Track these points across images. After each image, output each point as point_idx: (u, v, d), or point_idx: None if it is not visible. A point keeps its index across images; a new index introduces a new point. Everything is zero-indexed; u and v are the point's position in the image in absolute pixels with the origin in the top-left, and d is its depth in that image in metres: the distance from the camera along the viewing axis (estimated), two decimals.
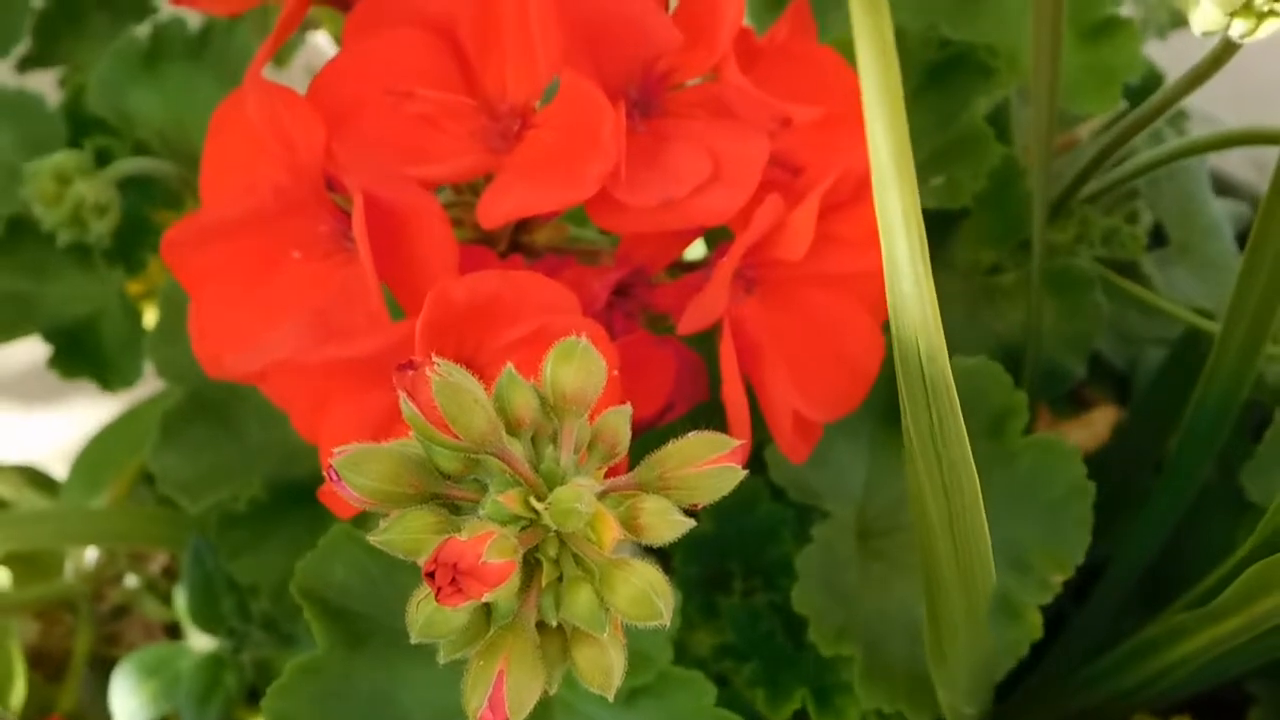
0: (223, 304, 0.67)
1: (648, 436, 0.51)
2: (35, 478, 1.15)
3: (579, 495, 0.45)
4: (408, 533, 0.45)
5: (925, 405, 0.54)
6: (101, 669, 1.05)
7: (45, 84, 1.14)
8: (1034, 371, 0.91)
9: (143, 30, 1.03)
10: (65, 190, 0.92)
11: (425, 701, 0.71)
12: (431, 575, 0.43)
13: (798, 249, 0.65)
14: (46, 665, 1.17)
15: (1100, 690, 0.88)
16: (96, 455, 1.11)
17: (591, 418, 0.50)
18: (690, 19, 0.66)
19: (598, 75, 0.65)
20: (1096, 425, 1.08)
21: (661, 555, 0.81)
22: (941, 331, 0.52)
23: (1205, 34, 0.65)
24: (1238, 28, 0.64)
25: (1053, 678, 0.95)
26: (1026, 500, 0.79)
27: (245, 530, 0.88)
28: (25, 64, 1.15)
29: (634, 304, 0.69)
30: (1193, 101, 0.98)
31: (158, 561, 1.17)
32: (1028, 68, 0.80)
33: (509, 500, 0.45)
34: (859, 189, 0.68)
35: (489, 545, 0.43)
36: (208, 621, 0.97)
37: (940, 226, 0.92)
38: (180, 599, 0.98)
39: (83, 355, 1.04)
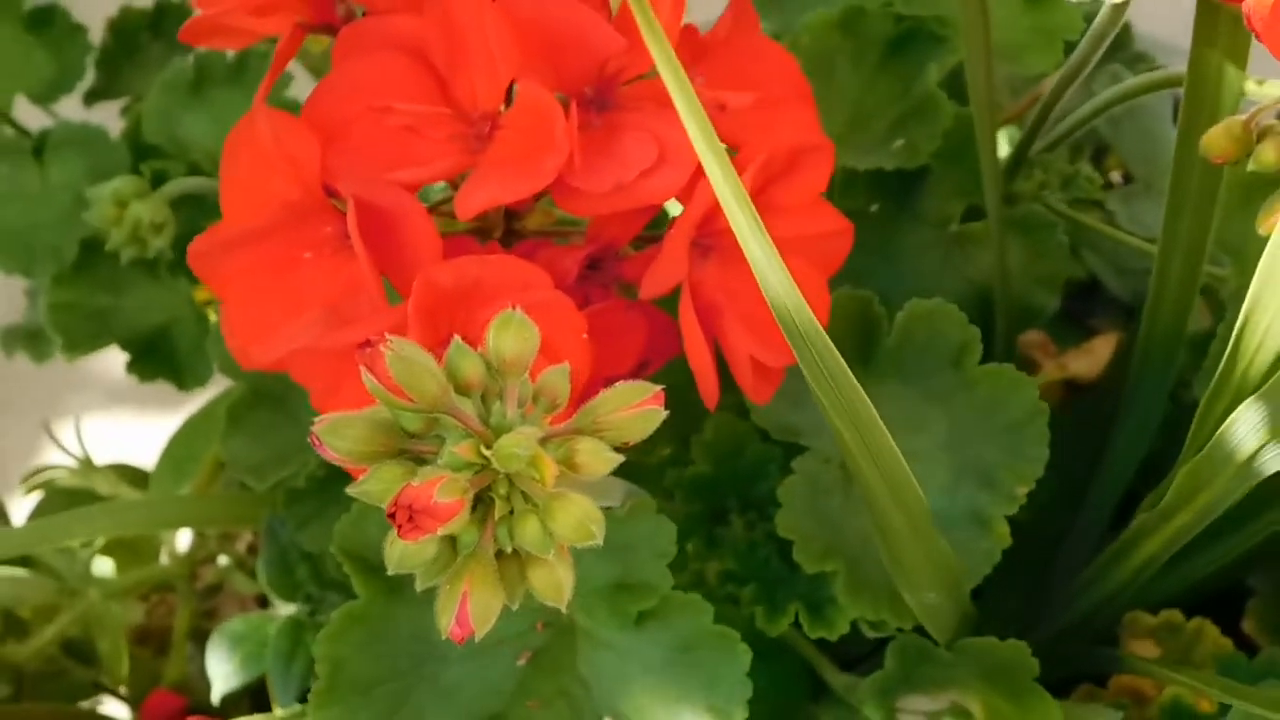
0: (247, 304, 0.76)
1: None
2: (129, 474, 1.25)
3: (518, 441, 0.53)
4: (380, 484, 0.54)
5: (805, 349, 0.62)
6: (202, 641, 1.14)
7: (111, 114, 1.24)
8: (1007, 309, 0.99)
9: (188, 60, 1.13)
10: (124, 212, 1.01)
11: None
12: (393, 516, 0.52)
13: None
14: (152, 642, 1.27)
15: (1090, 595, 0.95)
16: (180, 448, 1.21)
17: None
18: (633, 25, 0.75)
19: (557, 78, 0.73)
20: (1098, 352, 1.15)
21: (667, 496, 0.90)
22: (795, 285, 0.59)
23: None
24: None
25: (1049, 591, 1.03)
26: (988, 423, 0.85)
27: (308, 503, 0.97)
28: (91, 97, 1.24)
29: (607, 275, 0.77)
30: (1171, 36, 1.06)
31: (244, 540, 1.26)
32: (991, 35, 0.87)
33: (463, 450, 0.53)
34: (793, 162, 0.77)
35: (439, 488, 0.52)
36: (286, 589, 1.05)
37: (905, 184, 1.00)
38: (261, 572, 1.07)
39: (159, 359, 1.13)
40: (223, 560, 1.25)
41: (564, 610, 0.57)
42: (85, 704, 1.20)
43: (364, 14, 0.77)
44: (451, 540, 0.55)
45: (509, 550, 0.56)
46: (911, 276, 1.00)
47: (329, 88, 0.74)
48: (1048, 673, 0.92)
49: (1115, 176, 1.27)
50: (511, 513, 0.55)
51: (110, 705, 1.23)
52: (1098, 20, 0.82)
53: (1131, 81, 0.92)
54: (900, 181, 0.99)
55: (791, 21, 1.02)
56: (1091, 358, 1.14)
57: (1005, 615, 1.06)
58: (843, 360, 0.62)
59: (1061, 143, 0.98)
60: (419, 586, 0.56)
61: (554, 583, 0.56)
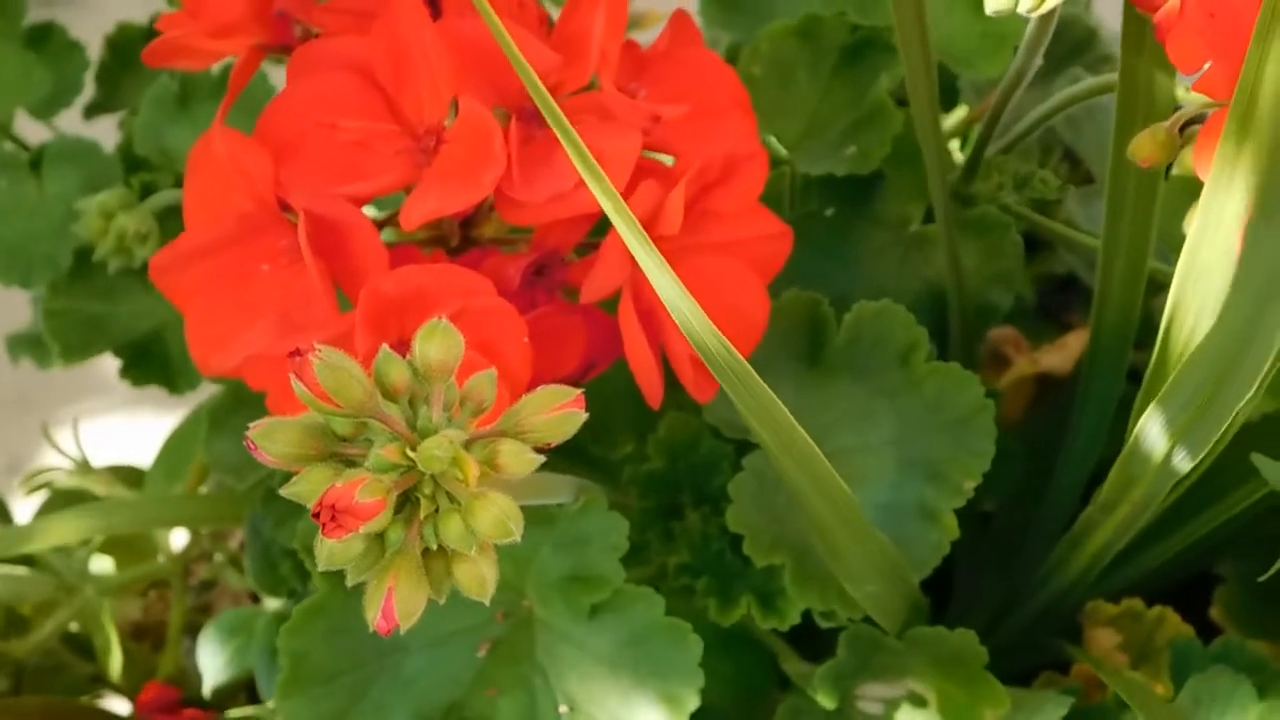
0: (207, 314, 0.79)
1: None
2: (126, 475, 1.29)
3: (439, 444, 0.56)
4: (310, 485, 0.57)
5: (715, 361, 0.64)
6: (198, 637, 1.18)
7: (111, 128, 1.27)
8: (963, 309, 1.01)
9: (175, 75, 1.16)
10: (110, 223, 1.04)
11: (416, 630, 0.83)
12: (318, 515, 0.55)
13: (673, 225, 0.76)
14: (149, 637, 1.30)
15: (1051, 586, 0.98)
16: (172, 450, 1.24)
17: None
18: (567, 43, 0.78)
19: (497, 94, 0.77)
20: (1070, 347, 1.17)
21: (624, 492, 0.93)
22: (693, 299, 0.61)
23: (995, 13, 0.74)
24: (1024, 4, 0.74)
25: (1018, 581, 1.06)
26: (935, 419, 0.88)
27: (285, 501, 0.98)
28: (90, 111, 1.27)
29: (552, 281, 0.81)
30: None
31: (236, 538, 1.30)
32: (930, 43, 0.90)
33: (388, 453, 0.56)
34: (729, 169, 0.80)
35: (360, 489, 0.55)
36: (270, 584, 1.07)
37: (862, 189, 1.03)
38: (247, 568, 1.10)
39: (151, 365, 1.15)
40: (217, 558, 1.28)
41: (487, 602, 0.60)
42: (86, 698, 1.24)
43: (319, 35, 0.81)
44: (379, 538, 0.58)
45: (435, 547, 0.59)
46: (869, 278, 1.03)
47: (281, 105, 0.78)
48: (1016, 661, 0.95)
49: None
50: (437, 511, 0.58)
51: (111, 699, 1.26)
52: (1029, 29, 0.85)
53: (1078, 86, 0.94)
54: (857, 186, 1.02)
55: (753, 32, 1.05)
56: (1064, 353, 1.16)
57: (980, 604, 1.09)
58: (748, 365, 0.64)
59: (1017, 145, 1.00)
60: (349, 582, 0.59)
61: (477, 577, 0.59)
